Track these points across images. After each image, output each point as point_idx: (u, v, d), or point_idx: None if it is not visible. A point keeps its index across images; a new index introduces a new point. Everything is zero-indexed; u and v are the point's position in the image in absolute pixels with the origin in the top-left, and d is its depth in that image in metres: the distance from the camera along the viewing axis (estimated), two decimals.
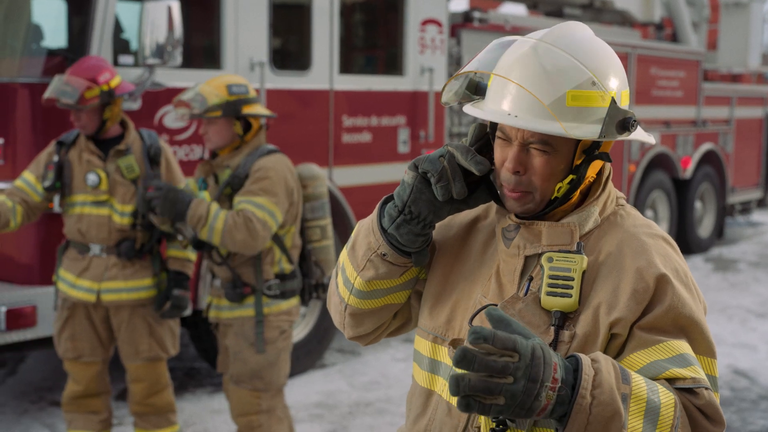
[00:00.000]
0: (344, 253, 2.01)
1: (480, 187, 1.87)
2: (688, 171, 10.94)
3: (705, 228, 11.77)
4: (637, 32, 10.93)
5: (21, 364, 6.71)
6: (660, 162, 10.54)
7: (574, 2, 10.29)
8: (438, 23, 7.41)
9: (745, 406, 6.16)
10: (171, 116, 5.74)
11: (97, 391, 4.66)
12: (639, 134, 1.81)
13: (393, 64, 7.35)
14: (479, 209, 1.99)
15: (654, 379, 1.68)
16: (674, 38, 11.51)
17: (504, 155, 1.79)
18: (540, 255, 1.81)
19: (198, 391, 6.23)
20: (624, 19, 10.96)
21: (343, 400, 6.09)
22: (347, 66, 6.96)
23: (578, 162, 1.79)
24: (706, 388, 1.68)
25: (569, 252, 1.77)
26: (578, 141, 1.77)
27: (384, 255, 1.89)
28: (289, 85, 6.44)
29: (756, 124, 12.43)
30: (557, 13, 10.35)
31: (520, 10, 11.37)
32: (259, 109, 4.36)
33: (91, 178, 4.43)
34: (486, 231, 1.96)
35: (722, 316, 8.53)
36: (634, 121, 1.73)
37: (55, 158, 4.51)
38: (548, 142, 1.75)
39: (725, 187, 11.87)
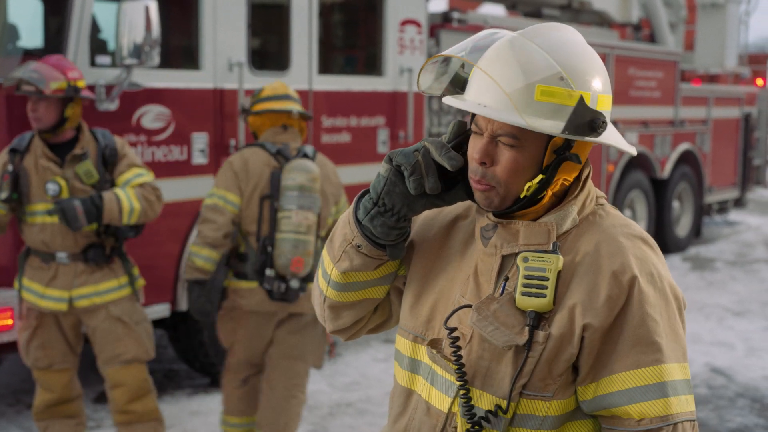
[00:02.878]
0: (325, 246, 2.02)
1: (458, 184, 1.86)
2: (665, 171, 11.00)
3: (683, 227, 11.83)
4: (615, 33, 10.97)
5: None
6: (638, 162, 10.58)
7: (553, 3, 10.32)
8: (417, 24, 7.41)
9: (723, 403, 6.20)
10: (149, 117, 5.71)
11: (71, 396, 4.58)
12: (613, 138, 1.78)
13: (372, 65, 7.35)
14: (460, 208, 1.99)
15: (621, 411, 1.73)
16: (652, 39, 11.57)
17: (475, 148, 1.79)
18: (516, 254, 1.81)
19: (177, 393, 6.21)
20: (602, 20, 11.00)
21: (324, 401, 6.08)
22: (326, 66, 6.94)
23: (548, 162, 1.77)
24: (677, 423, 1.72)
25: (545, 252, 1.77)
26: (548, 140, 1.76)
27: (359, 246, 1.90)
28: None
29: (733, 124, 12.50)
30: (536, 14, 10.37)
31: (499, 10, 11.39)
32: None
33: (51, 187, 4.28)
34: (466, 230, 1.96)
35: (700, 315, 8.58)
36: (603, 122, 1.71)
37: (10, 167, 4.35)
38: (516, 136, 1.74)
39: (703, 186, 11.94)
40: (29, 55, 5.69)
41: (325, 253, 2.00)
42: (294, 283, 4.36)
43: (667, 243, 11.32)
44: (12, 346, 5.36)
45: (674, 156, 11.12)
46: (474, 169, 1.79)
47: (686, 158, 11.49)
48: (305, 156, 4.53)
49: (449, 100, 1.83)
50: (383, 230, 1.86)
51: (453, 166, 1.79)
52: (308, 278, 4.40)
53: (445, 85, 1.86)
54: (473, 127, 1.81)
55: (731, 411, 6.08)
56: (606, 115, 1.76)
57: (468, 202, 1.94)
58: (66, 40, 5.34)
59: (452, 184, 1.86)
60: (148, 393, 4.61)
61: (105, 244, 4.44)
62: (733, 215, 14.72)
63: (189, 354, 6.24)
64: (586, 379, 1.76)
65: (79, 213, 4.20)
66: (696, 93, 11.64)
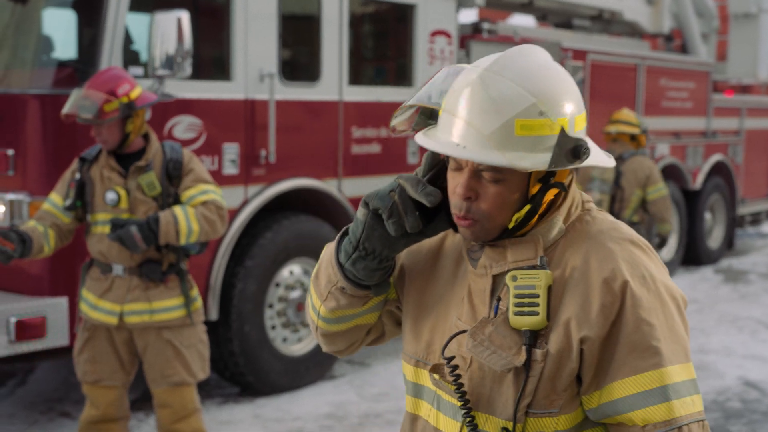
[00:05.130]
0: (312, 280, 2.00)
1: (438, 215, 1.82)
2: (697, 182, 10.92)
3: (715, 239, 11.74)
4: (646, 43, 10.93)
5: (31, 375, 6.72)
6: (670, 173, 10.51)
7: (584, 13, 10.29)
8: (447, 34, 7.42)
9: (756, 417, 6.13)
10: (180, 127, 5.75)
11: (116, 416, 4.52)
12: (595, 159, 1.76)
13: (402, 75, 7.36)
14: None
15: (625, 418, 1.71)
16: (683, 49, 11.51)
17: (456, 183, 1.75)
18: (507, 273, 1.77)
19: (207, 402, 6.23)
20: (633, 31, 10.96)
21: (353, 412, 6.08)
22: (356, 77, 6.96)
23: (534, 191, 1.75)
24: (682, 426, 1.70)
25: (533, 268, 1.74)
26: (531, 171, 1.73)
27: (343, 288, 1.88)
28: (299, 96, 6.46)
29: (766, 135, 12.39)
30: (566, 25, 10.36)
31: (530, 21, 11.39)
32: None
33: (110, 196, 4.29)
34: (455, 250, 1.93)
35: (732, 328, 8.50)
36: (586, 148, 1.69)
37: (77, 176, 4.38)
38: (499, 170, 1.70)
39: (735, 198, 11.84)
40: (64, 66, 5.76)
41: (312, 287, 1.98)
42: None
43: (700, 255, 11.24)
44: (45, 354, 5.42)
45: (706, 167, 11.04)
46: (458, 205, 1.75)
47: (718, 169, 11.40)
48: (620, 158, 7.20)
49: (423, 141, 1.78)
50: (366, 273, 1.83)
51: (431, 203, 1.75)
52: None
53: (417, 121, 1.83)
54: (452, 163, 1.77)
55: (765, 425, 6.00)
56: (582, 134, 1.75)
57: None
58: (99, 51, 5.39)
59: (432, 215, 1.82)
60: (194, 413, 4.55)
61: (163, 260, 4.38)
62: (766, 227, 14.57)
63: (219, 363, 6.26)
64: (589, 389, 1.74)
65: (137, 240, 4.17)
66: (728, 104, 11.56)
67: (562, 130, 1.67)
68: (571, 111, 1.72)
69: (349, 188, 6.78)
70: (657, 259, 1.81)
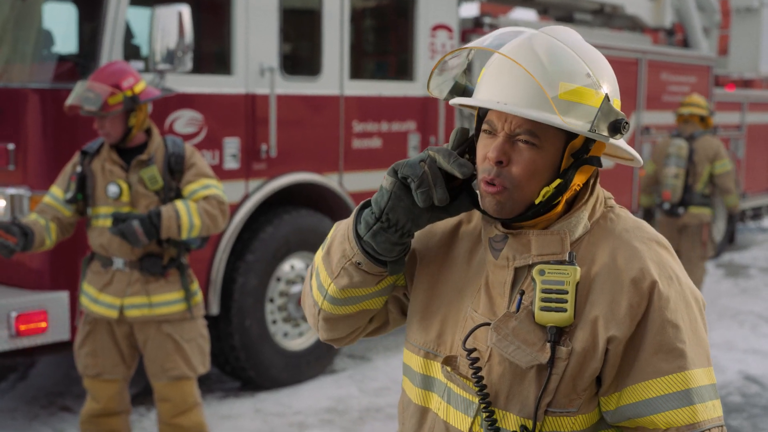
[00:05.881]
0: (319, 256, 1.91)
1: (461, 194, 1.78)
2: None
3: (716, 234, 11.72)
4: (647, 37, 10.90)
5: (31, 369, 6.72)
6: None
7: (585, 7, 10.27)
8: (448, 29, 7.40)
9: (756, 412, 6.14)
10: (181, 122, 5.75)
11: (117, 410, 4.54)
12: (627, 147, 1.75)
13: (403, 70, 7.35)
14: (461, 214, 1.90)
15: (647, 421, 1.68)
16: (685, 43, 11.48)
17: (487, 149, 1.71)
18: (530, 266, 1.74)
19: (208, 396, 6.23)
20: (634, 25, 10.93)
21: (354, 406, 6.08)
22: (357, 71, 6.95)
23: (566, 166, 1.71)
24: (705, 430, 1.68)
25: (561, 263, 1.70)
26: (566, 142, 1.70)
27: (359, 264, 1.81)
28: (300, 90, 6.45)
29: (767, 129, 12.37)
30: (568, 18, 10.33)
31: (531, 15, 11.36)
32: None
33: (112, 189, 4.29)
34: (470, 238, 1.88)
35: (733, 322, 8.50)
36: (626, 123, 1.67)
37: (79, 169, 4.38)
38: (536, 134, 1.67)
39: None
40: (64, 60, 5.75)
41: (321, 266, 1.90)
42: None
43: None
44: (46, 349, 5.42)
45: None
46: (487, 170, 1.71)
47: None
48: (691, 137, 8.07)
49: (461, 100, 1.76)
50: (386, 247, 1.76)
51: (464, 174, 1.70)
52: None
53: (446, 91, 1.81)
54: (485, 127, 1.73)
55: (765, 419, 6.01)
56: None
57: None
58: (100, 45, 5.38)
59: (455, 194, 1.77)
60: (194, 407, 4.56)
61: (164, 254, 4.39)
62: (767, 221, 14.56)
63: (220, 358, 6.26)
64: (609, 390, 1.72)
65: (139, 234, 4.18)
66: (730, 98, 11.54)
67: (606, 99, 1.66)
68: (612, 91, 1.71)
69: (350, 183, 6.78)
70: (679, 261, 1.80)
